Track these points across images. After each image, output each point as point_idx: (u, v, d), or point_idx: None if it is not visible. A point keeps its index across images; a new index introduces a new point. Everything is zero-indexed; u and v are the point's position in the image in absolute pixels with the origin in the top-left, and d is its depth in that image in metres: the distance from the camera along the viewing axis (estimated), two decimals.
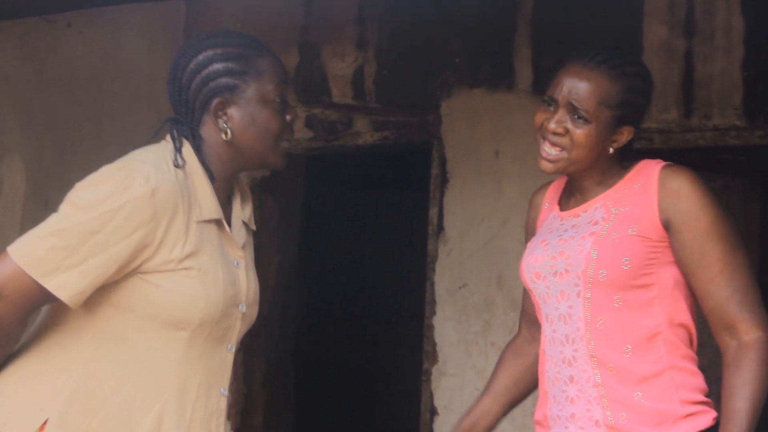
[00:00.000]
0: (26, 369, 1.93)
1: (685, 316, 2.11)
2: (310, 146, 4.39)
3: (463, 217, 3.94)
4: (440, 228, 4.00)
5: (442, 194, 4.00)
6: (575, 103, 2.13)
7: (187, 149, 2.02)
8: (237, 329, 2.05)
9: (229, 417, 2.12)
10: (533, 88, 3.81)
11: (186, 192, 1.96)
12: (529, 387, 2.38)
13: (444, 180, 4.00)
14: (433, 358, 3.98)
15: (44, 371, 1.92)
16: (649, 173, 2.13)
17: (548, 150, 2.18)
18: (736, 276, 2.06)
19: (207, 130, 2.06)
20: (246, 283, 2.07)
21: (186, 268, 1.93)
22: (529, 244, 2.29)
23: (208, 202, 2.00)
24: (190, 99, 2.06)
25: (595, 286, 2.09)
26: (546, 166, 2.20)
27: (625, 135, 2.15)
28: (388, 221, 7.12)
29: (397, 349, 6.83)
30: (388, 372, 6.88)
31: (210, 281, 1.96)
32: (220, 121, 2.05)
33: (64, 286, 1.86)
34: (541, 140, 2.20)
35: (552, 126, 2.16)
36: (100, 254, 1.86)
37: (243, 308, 2.05)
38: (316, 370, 6.49)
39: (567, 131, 2.15)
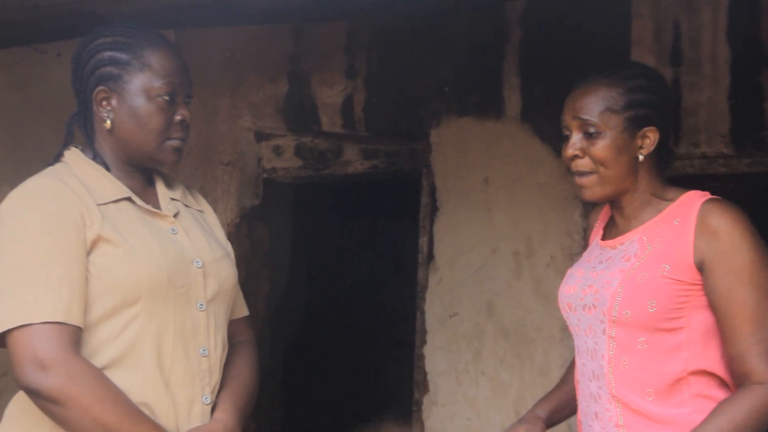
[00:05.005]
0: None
1: (714, 364, 2.01)
2: (300, 175, 4.39)
3: (452, 246, 3.94)
4: (430, 256, 3.99)
5: (431, 222, 4.00)
6: (582, 118, 2.08)
7: (73, 150, 2.07)
8: (201, 286, 2.04)
9: None
10: (522, 116, 3.82)
11: (78, 183, 1.99)
12: None
13: (434, 208, 4.00)
14: (424, 388, 3.97)
15: None
16: (690, 208, 2.03)
17: (579, 179, 2.12)
18: (762, 327, 1.95)
19: (96, 121, 2.07)
20: (191, 242, 2.07)
21: (108, 241, 1.94)
22: (569, 271, 2.23)
23: (106, 188, 2.02)
24: (82, 88, 2.07)
25: (619, 326, 2.01)
26: (584, 194, 2.12)
27: (651, 138, 2.07)
28: (378, 249, 7.11)
29: (387, 378, 6.80)
30: (378, 401, 6.85)
31: (140, 246, 1.96)
32: (102, 111, 2.05)
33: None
34: (573, 173, 2.14)
35: (569, 152, 2.11)
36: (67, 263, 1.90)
37: (199, 263, 2.03)
38: (305, 399, 6.45)
39: (585, 153, 2.09)
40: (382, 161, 4.27)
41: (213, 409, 2.07)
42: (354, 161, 4.31)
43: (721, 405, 1.96)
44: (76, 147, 2.11)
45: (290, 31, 4.21)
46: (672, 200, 2.08)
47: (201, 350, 2.03)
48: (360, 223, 7.11)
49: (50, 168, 2.07)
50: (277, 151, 4.39)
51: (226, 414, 2.05)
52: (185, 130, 2.09)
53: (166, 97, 2.04)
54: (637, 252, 2.05)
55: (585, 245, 2.38)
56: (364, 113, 4.13)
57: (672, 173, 3.61)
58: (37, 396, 1.86)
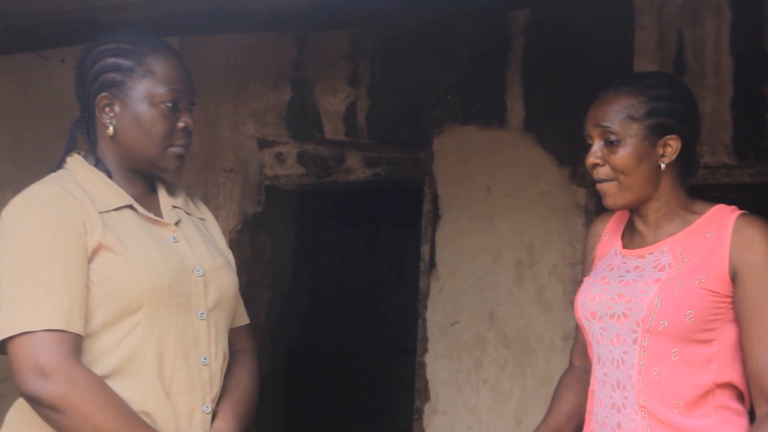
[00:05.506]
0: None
1: (738, 377, 2.02)
2: (302, 182, 4.39)
3: (455, 254, 3.94)
4: (432, 264, 3.99)
5: (434, 230, 4.00)
6: (603, 126, 2.07)
7: (76, 157, 2.07)
8: (202, 295, 2.03)
9: None
10: (525, 125, 3.82)
11: (80, 190, 1.99)
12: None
13: (436, 216, 4.00)
14: (425, 396, 3.96)
15: None
16: (723, 221, 2.04)
17: (600, 186, 2.12)
18: None
19: (99, 126, 2.07)
20: (192, 250, 2.06)
21: (109, 248, 1.93)
22: (587, 280, 2.21)
23: (107, 195, 2.02)
24: (85, 95, 2.07)
25: (653, 336, 2.01)
26: (606, 202, 2.12)
27: (672, 146, 2.07)
28: (380, 257, 7.11)
29: (388, 385, 6.79)
30: (379, 409, 6.84)
31: (141, 254, 1.96)
32: (105, 117, 2.05)
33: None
34: (595, 181, 2.15)
35: (591, 160, 2.11)
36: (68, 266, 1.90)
37: (200, 272, 2.03)
38: (306, 405, 6.45)
39: (606, 161, 2.09)
40: (385, 169, 4.27)
41: (213, 418, 2.07)
42: (356, 169, 4.31)
43: None
44: (79, 153, 2.10)
45: (293, 38, 4.22)
46: (700, 213, 2.09)
47: (202, 359, 2.02)
48: (362, 231, 7.11)
49: (52, 175, 2.07)
50: (280, 158, 4.39)
51: (227, 423, 2.05)
52: (188, 137, 2.09)
53: (169, 104, 2.04)
54: (671, 263, 2.05)
55: (585, 255, 2.37)
56: (366, 121, 4.13)
57: None
58: (37, 403, 1.86)
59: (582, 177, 3.66)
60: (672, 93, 2.10)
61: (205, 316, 2.03)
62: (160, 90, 2.03)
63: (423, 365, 3.97)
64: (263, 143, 4.37)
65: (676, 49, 3.60)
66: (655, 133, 2.07)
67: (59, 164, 2.10)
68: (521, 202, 3.80)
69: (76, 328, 1.89)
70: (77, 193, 1.98)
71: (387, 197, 5.70)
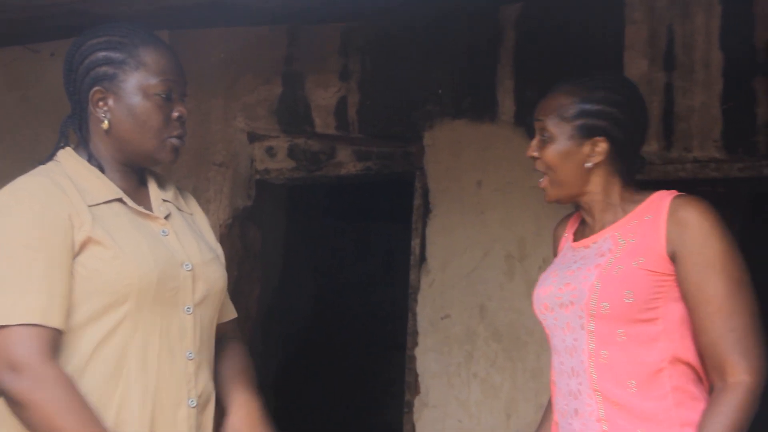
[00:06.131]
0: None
1: (691, 355, 2.05)
2: (293, 176, 4.39)
3: (445, 248, 3.94)
4: (422, 258, 4.00)
5: (424, 225, 4.01)
6: (539, 121, 2.16)
7: (67, 150, 2.06)
8: (190, 289, 2.03)
9: None
10: (516, 119, 3.83)
11: (69, 183, 1.98)
12: None
13: (426, 210, 4.01)
14: (415, 390, 3.97)
15: None
16: (660, 204, 2.08)
17: (540, 179, 2.20)
18: (734, 315, 1.98)
19: (92, 122, 2.06)
20: (182, 244, 2.07)
21: (98, 242, 1.93)
22: (542, 276, 2.28)
23: (97, 188, 2.02)
24: (77, 90, 2.07)
25: (597, 319, 2.06)
26: (545, 195, 2.21)
27: (599, 147, 2.13)
28: (371, 251, 7.12)
29: (379, 379, 6.80)
30: (370, 402, 6.85)
31: (130, 248, 1.96)
32: (99, 111, 2.04)
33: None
34: None
35: (528, 152, 2.20)
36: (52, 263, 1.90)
37: (188, 266, 2.04)
38: (296, 400, 6.45)
39: (540, 156, 2.17)
40: (376, 163, 4.27)
41: (200, 412, 2.07)
42: (347, 163, 4.32)
43: (708, 416, 1.98)
44: (71, 147, 2.10)
45: (285, 32, 4.22)
46: (640, 201, 2.14)
47: (187, 354, 2.02)
48: (353, 225, 7.12)
49: (42, 167, 2.06)
50: (270, 152, 4.39)
51: (250, 394, 2.13)
52: (183, 126, 2.10)
53: (163, 95, 2.04)
54: (611, 248, 2.10)
55: (554, 256, 2.40)
56: (357, 115, 4.13)
57: (664, 177, 3.65)
58: (6, 397, 1.86)
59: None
60: (606, 96, 2.15)
61: (191, 310, 2.03)
62: (153, 81, 2.03)
63: (413, 359, 3.98)
64: (254, 137, 4.37)
65: (666, 43, 3.61)
66: (583, 134, 2.13)
67: (49, 157, 2.09)
68: (512, 197, 3.81)
69: (55, 322, 1.88)
70: (66, 185, 1.98)
71: (378, 191, 5.70)
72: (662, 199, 2.09)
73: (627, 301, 2.03)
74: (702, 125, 3.55)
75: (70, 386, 1.87)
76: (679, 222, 2.03)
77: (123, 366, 1.94)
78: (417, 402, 3.96)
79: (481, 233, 3.86)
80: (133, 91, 2.03)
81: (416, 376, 3.97)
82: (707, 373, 2.04)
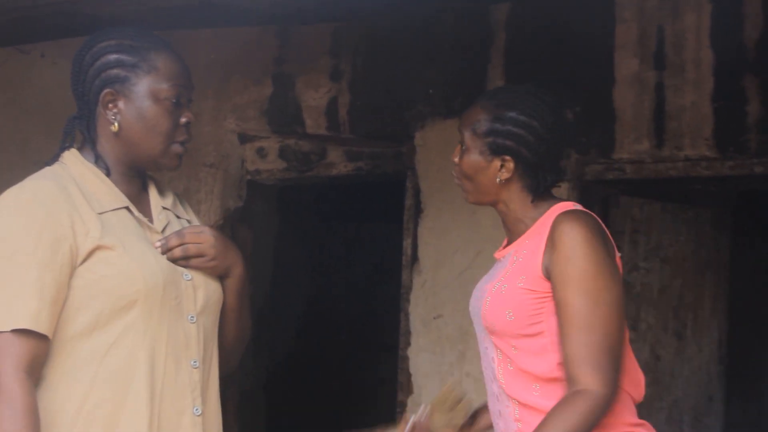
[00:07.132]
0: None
1: None
2: (284, 177, 4.39)
3: (437, 248, 3.95)
4: (414, 259, 4.00)
5: (416, 225, 4.01)
6: (460, 131, 2.23)
7: (72, 152, 2.05)
8: (192, 298, 2.03)
9: None
10: None
11: (76, 189, 1.97)
12: None
13: (418, 211, 4.01)
14: (408, 390, 3.97)
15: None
16: (547, 222, 2.13)
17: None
18: (590, 333, 2.02)
19: (101, 123, 2.06)
20: None
21: (109, 248, 1.93)
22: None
23: (105, 195, 2.01)
24: (86, 91, 2.06)
25: (492, 334, 2.16)
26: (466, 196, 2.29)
27: (507, 166, 2.16)
28: (362, 251, 7.12)
29: (371, 381, 6.80)
30: (362, 402, 6.85)
31: (137, 253, 1.96)
32: (109, 113, 2.04)
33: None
34: None
35: (452, 157, 2.26)
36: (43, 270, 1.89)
37: (188, 276, 2.04)
38: (288, 401, 6.45)
39: (458, 163, 2.24)
40: (367, 163, 4.27)
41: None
42: (338, 163, 4.32)
43: (548, 415, 2.03)
44: (75, 147, 2.09)
45: (275, 33, 4.22)
46: (540, 216, 2.17)
47: (192, 362, 2.03)
48: (344, 225, 7.12)
49: (48, 169, 2.04)
50: (261, 153, 4.39)
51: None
52: (189, 132, 2.11)
53: (173, 100, 2.05)
54: (507, 265, 2.18)
55: None
56: (348, 115, 4.13)
57: (655, 176, 3.66)
58: None
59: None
60: (516, 118, 2.16)
61: (195, 319, 2.04)
62: (164, 85, 2.04)
63: (406, 359, 3.99)
64: (244, 138, 4.37)
65: (656, 43, 3.62)
66: (492, 151, 2.18)
67: (55, 158, 2.08)
68: None
69: (43, 328, 1.87)
70: (73, 191, 1.97)
71: (369, 192, 5.70)
72: (550, 217, 2.13)
73: (508, 319, 2.10)
74: (693, 124, 3.56)
75: (31, 410, 1.84)
76: (553, 241, 2.07)
77: (133, 375, 1.94)
78: (410, 402, 3.96)
79: (473, 233, 3.87)
80: (144, 94, 2.03)
81: (409, 376, 3.97)
82: (566, 386, 2.07)
